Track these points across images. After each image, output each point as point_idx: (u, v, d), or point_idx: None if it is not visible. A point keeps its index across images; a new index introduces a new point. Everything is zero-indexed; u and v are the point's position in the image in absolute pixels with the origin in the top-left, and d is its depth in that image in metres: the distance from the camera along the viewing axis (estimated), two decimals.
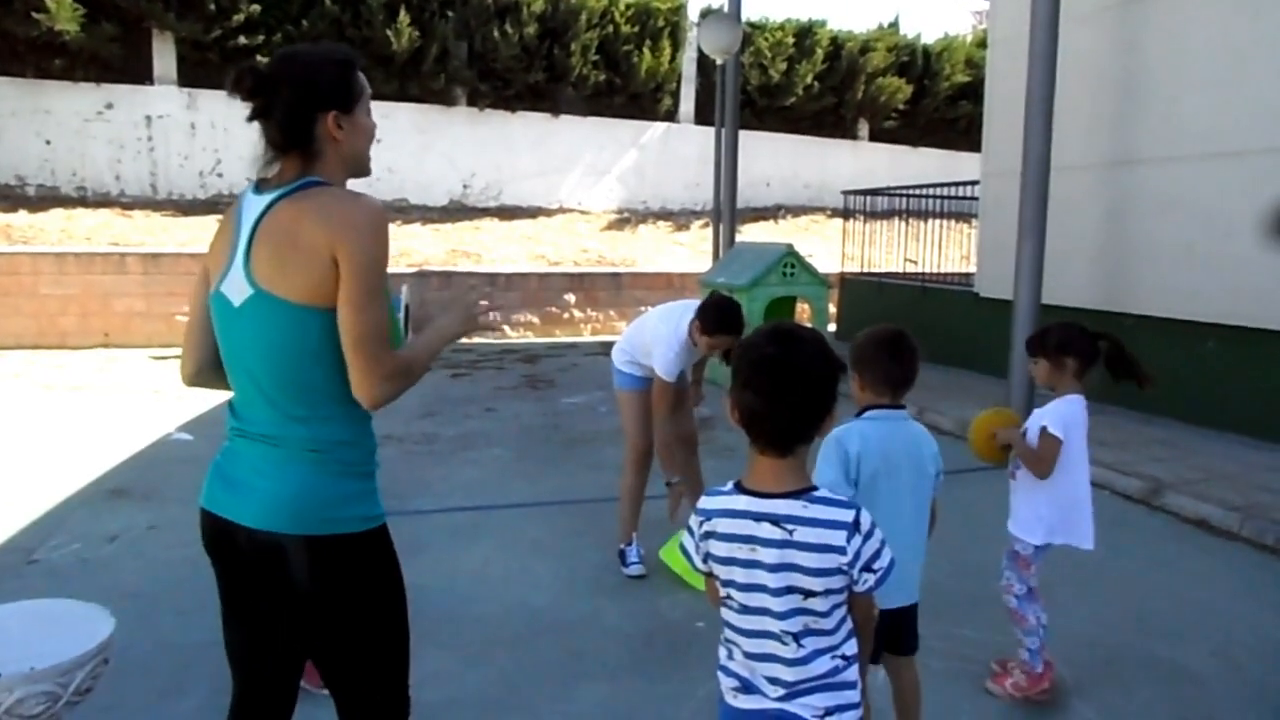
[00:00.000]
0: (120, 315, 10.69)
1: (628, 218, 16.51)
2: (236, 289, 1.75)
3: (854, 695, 1.74)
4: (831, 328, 11.00)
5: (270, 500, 1.75)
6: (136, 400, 7.86)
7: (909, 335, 2.50)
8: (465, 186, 15.80)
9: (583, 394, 8.64)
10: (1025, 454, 3.10)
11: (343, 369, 1.73)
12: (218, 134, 13.97)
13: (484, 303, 2.09)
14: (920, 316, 10.62)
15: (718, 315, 3.89)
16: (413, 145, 15.05)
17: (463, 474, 5.89)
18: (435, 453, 6.42)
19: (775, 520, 1.67)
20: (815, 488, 1.71)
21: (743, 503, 1.70)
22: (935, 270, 11.19)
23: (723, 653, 1.83)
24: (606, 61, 16.29)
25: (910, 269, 11.64)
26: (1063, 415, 3.07)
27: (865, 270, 12.10)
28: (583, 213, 16.33)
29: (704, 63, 16.17)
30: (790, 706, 1.71)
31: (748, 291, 8.55)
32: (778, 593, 1.67)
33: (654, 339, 4.10)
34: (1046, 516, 3.11)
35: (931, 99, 19.31)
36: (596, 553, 4.46)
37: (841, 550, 1.65)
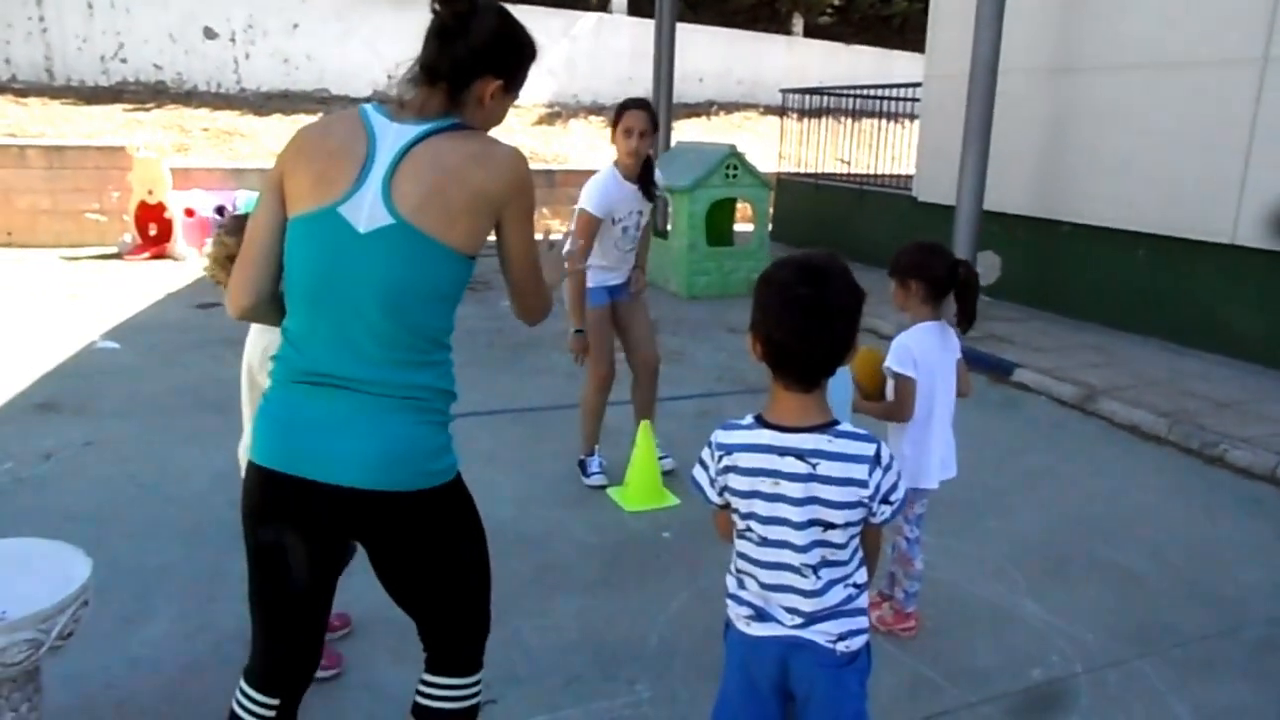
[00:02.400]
0: (24, 213, 10.00)
1: (559, 112, 16.04)
2: (368, 215, 1.61)
3: (864, 621, 1.77)
4: (768, 228, 10.98)
5: (378, 456, 1.64)
6: (52, 305, 7.44)
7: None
8: (389, 77, 15.00)
9: None
10: (882, 410, 2.95)
11: (454, 315, 1.75)
12: (119, 15, 12.96)
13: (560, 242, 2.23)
14: (857, 220, 10.69)
15: (621, 105, 3.99)
16: (333, 31, 14.22)
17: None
18: None
19: (800, 454, 1.66)
20: (837, 421, 1.70)
21: (766, 437, 1.69)
22: (872, 172, 11.20)
23: (732, 582, 1.84)
24: None
25: (842, 169, 11.62)
26: (909, 349, 2.86)
27: (801, 170, 12.05)
28: (513, 106, 15.79)
29: None
30: (805, 634, 1.73)
31: (689, 193, 8.44)
32: (801, 525, 1.68)
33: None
34: (910, 458, 2.93)
35: None
36: (553, 462, 4.46)
37: (864, 484, 1.66)
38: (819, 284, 1.64)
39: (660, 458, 4.29)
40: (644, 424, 4.18)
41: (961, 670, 2.91)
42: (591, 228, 3.96)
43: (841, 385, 2.75)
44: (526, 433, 4.96)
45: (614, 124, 3.98)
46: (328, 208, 1.62)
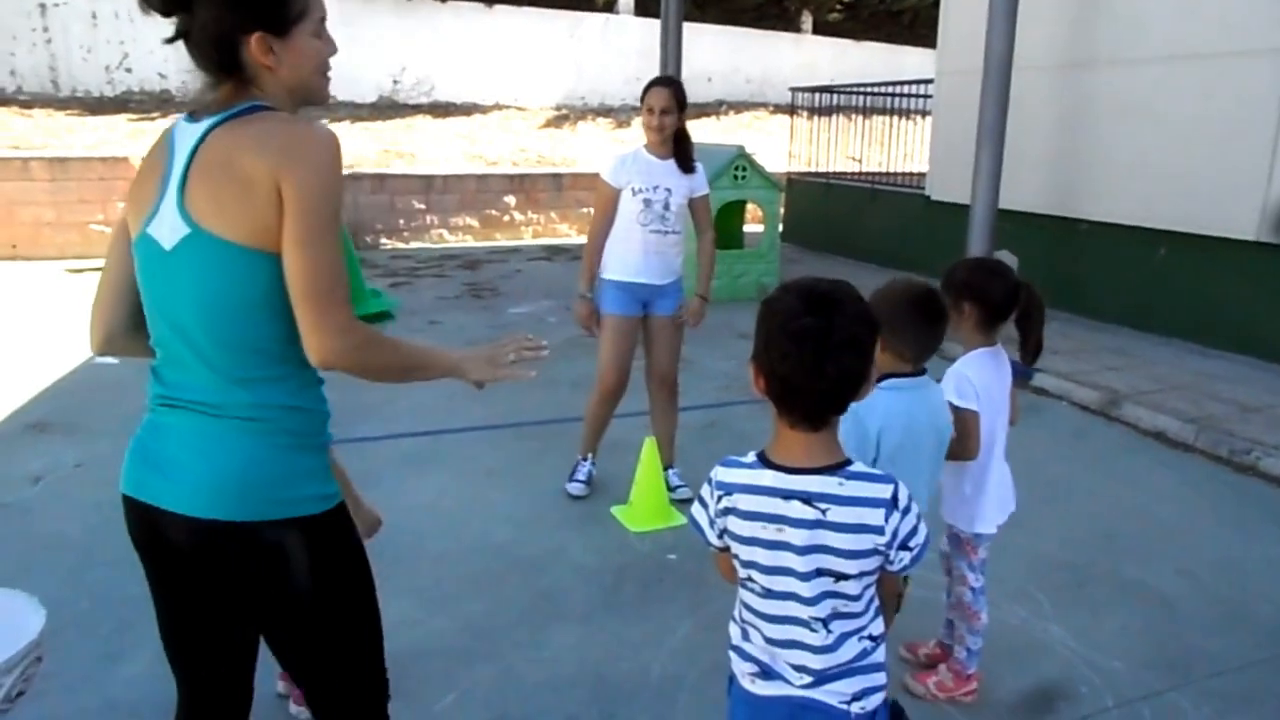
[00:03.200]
0: (28, 225, 9.95)
1: (567, 114, 15.91)
2: (168, 229, 1.48)
3: (881, 677, 1.62)
4: (779, 229, 10.80)
5: (211, 481, 1.51)
6: (54, 319, 7.35)
7: (939, 294, 2.26)
8: (395, 82, 14.99)
9: (529, 303, 8.36)
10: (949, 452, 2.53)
11: (293, 323, 1.48)
12: (123, 24, 12.92)
13: (523, 348, 1.81)
14: (870, 219, 10.51)
15: (649, 82, 3.88)
16: (337, 36, 13.86)
17: (409, 396, 5.63)
18: None
19: (807, 499, 1.52)
20: (849, 461, 1.55)
21: (769, 478, 1.54)
22: (883, 170, 11.00)
23: (735, 632, 1.69)
24: None
25: (856, 168, 11.43)
26: (970, 381, 2.52)
27: (812, 170, 11.86)
28: (520, 109, 15.68)
29: None
30: (816, 694, 1.58)
31: None
32: (806, 576, 1.53)
33: None
34: (971, 499, 2.67)
35: None
36: (555, 479, 4.30)
37: (880, 530, 1.51)
38: (826, 313, 1.48)
39: (674, 486, 4.11)
40: (649, 440, 4.02)
41: (985, 704, 2.74)
42: (606, 198, 3.87)
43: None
44: (528, 447, 4.81)
45: (643, 96, 3.87)
46: (141, 232, 1.54)
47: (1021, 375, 6.01)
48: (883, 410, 2.13)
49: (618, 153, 3.99)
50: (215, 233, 1.45)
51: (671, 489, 4.07)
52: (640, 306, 4.01)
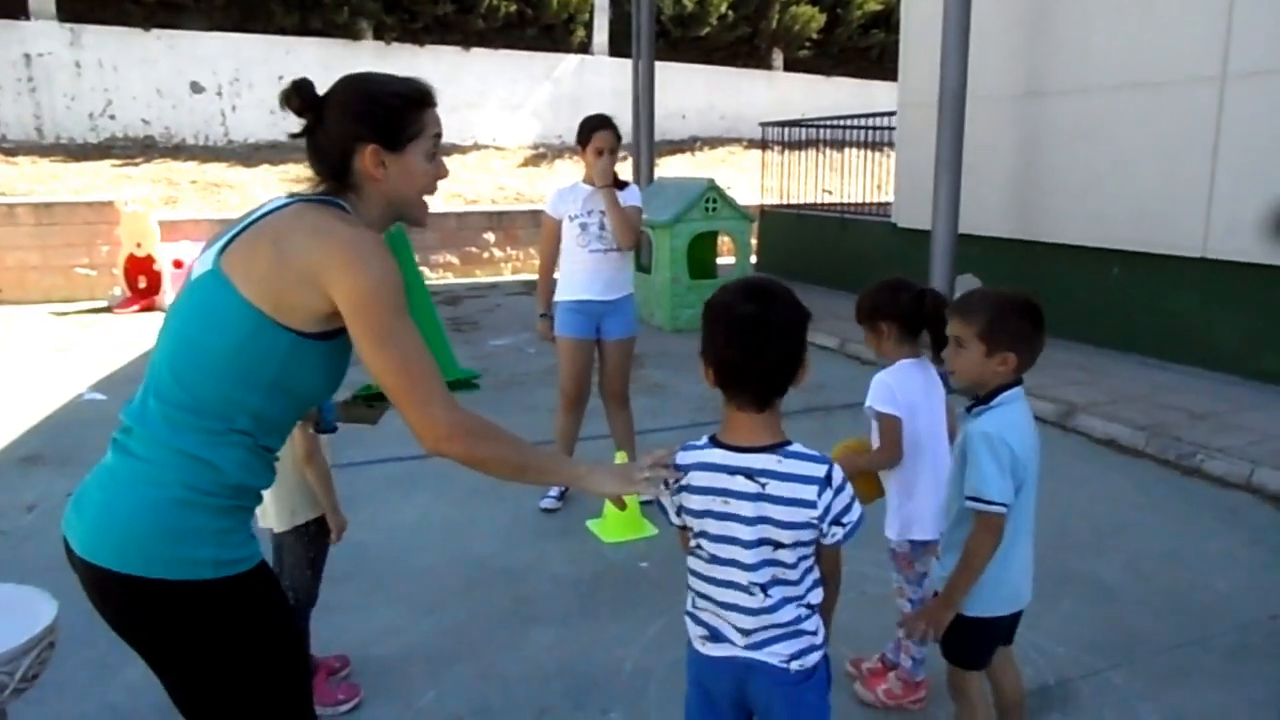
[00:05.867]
0: (13, 270, 10.10)
1: (544, 153, 16.23)
2: (201, 264, 1.56)
3: (818, 639, 1.79)
4: (752, 260, 11.08)
5: (98, 524, 1.48)
6: (41, 359, 7.49)
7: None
8: None
9: (509, 335, 8.57)
10: (869, 461, 2.71)
11: (249, 392, 1.50)
12: (106, 73, 13.16)
13: (659, 465, 1.73)
14: (840, 248, 10.81)
15: (584, 123, 4.19)
16: (319, 81, 14.27)
17: (394, 423, 5.69)
18: None
19: (749, 474, 1.69)
20: (790, 442, 1.73)
21: (718, 456, 1.72)
22: (853, 201, 11.33)
23: (689, 600, 1.87)
24: None
25: (828, 199, 11.76)
26: (889, 386, 2.63)
27: (784, 202, 12.18)
28: (498, 149, 16.00)
29: None
30: (758, 655, 1.76)
31: (670, 228, 8.55)
32: (750, 544, 1.70)
33: None
34: (897, 507, 2.72)
35: (844, 28, 19.35)
36: (535, 497, 4.47)
37: (812, 505, 1.68)
38: (762, 302, 1.69)
39: None
40: (620, 455, 4.22)
41: (931, 687, 2.92)
42: (548, 228, 4.31)
43: None
44: None
45: (582, 142, 4.18)
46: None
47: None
48: (1021, 428, 2.15)
49: (557, 186, 4.45)
50: (231, 279, 1.49)
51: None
52: (593, 328, 4.31)
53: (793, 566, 1.74)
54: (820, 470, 1.70)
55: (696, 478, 1.74)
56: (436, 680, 2.97)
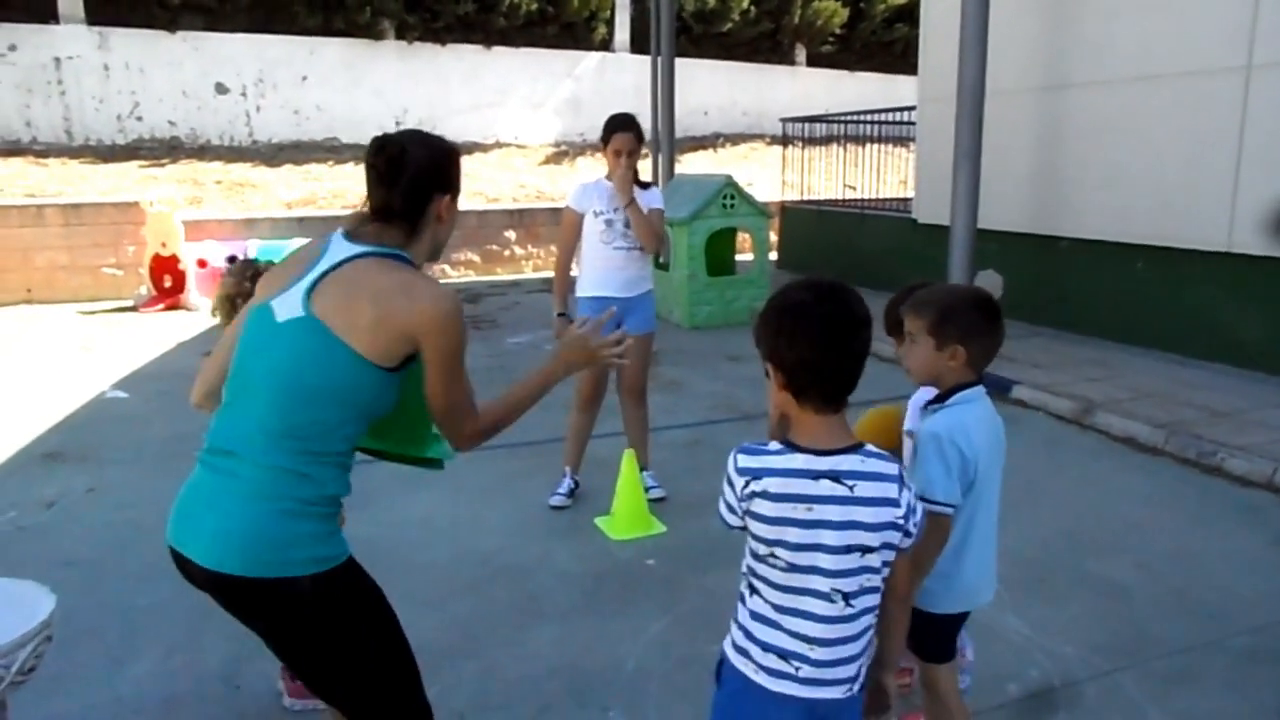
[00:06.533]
0: (42, 270, 10.28)
1: (566, 151, 16.25)
2: (288, 308, 1.79)
3: (867, 659, 1.75)
4: (772, 256, 11.04)
5: (215, 535, 1.73)
6: (66, 358, 7.62)
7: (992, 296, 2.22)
8: (398, 123, 15.35)
9: (527, 333, 8.60)
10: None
11: (349, 421, 1.79)
12: (133, 75, 13.35)
13: (611, 341, 2.16)
14: (860, 243, 10.73)
15: (607, 122, 4.20)
16: (342, 81, 14.59)
17: None
18: None
19: (836, 477, 1.64)
20: (864, 443, 1.70)
21: (800, 461, 1.65)
22: (874, 196, 11.25)
23: (738, 631, 1.77)
24: None
25: (850, 195, 11.69)
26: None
27: (805, 198, 12.12)
28: (519, 147, 16.04)
29: None
30: (822, 693, 1.70)
31: (687, 225, 8.53)
32: (837, 550, 1.64)
33: None
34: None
35: (868, 22, 19.18)
36: (544, 495, 4.48)
37: (895, 503, 1.65)
38: (840, 299, 1.66)
39: (649, 487, 4.34)
40: (628, 453, 4.22)
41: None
42: (569, 222, 4.27)
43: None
44: (521, 466, 5.00)
45: (604, 141, 4.20)
46: (264, 302, 1.85)
47: (997, 386, 6.20)
48: (975, 429, 2.09)
49: (581, 181, 4.45)
50: (327, 323, 1.75)
51: (646, 489, 4.29)
52: (613, 324, 4.24)
53: (878, 572, 1.69)
54: (895, 468, 1.68)
55: (774, 484, 1.64)
56: (438, 676, 2.97)
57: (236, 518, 1.72)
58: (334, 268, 1.80)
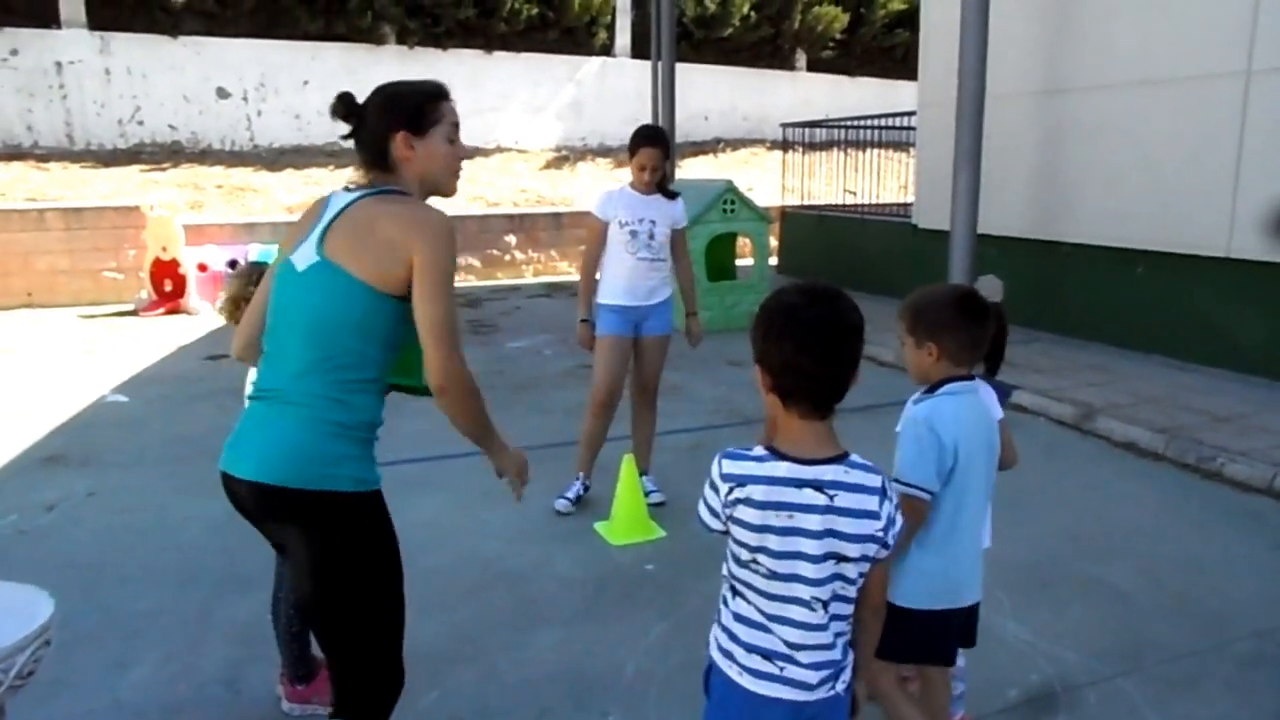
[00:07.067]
0: (43, 274, 10.28)
1: (566, 156, 16.27)
2: (304, 257, 1.97)
3: (847, 663, 1.75)
4: (773, 261, 11.05)
5: (263, 452, 1.90)
6: (67, 361, 7.62)
7: (979, 293, 2.25)
8: None
9: (527, 337, 8.60)
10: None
11: (374, 349, 1.93)
12: (135, 80, 13.36)
13: (525, 480, 2.37)
14: (860, 248, 10.74)
15: (635, 134, 4.23)
16: (342, 85, 14.37)
17: (409, 425, 5.75)
18: None
19: (819, 486, 1.63)
20: (849, 453, 1.68)
21: (783, 469, 1.64)
22: (875, 201, 11.26)
23: (721, 633, 1.78)
24: None
25: (850, 200, 11.69)
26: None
27: (805, 203, 12.13)
28: (520, 152, 16.05)
29: None
30: (812, 695, 1.70)
31: (688, 230, 8.51)
32: (816, 559, 1.64)
33: None
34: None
35: (868, 28, 19.22)
36: (546, 499, 4.48)
37: (875, 515, 1.64)
38: (831, 304, 1.64)
39: (649, 492, 4.34)
40: (627, 458, 4.22)
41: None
42: (594, 230, 4.27)
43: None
44: None
45: (631, 152, 4.23)
46: (286, 258, 2.02)
47: (997, 392, 6.19)
48: (953, 418, 2.13)
49: (606, 189, 4.43)
50: (343, 266, 1.91)
51: (646, 494, 4.31)
52: (633, 328, 4.33)
53: (853, 582, 1.68)
54: (878, 480, 1.66)
55: (757, 491, 1.63)
56: (439, 681, 2.98)
57: (284, 436, 1.89)
58: (338, 214, 1.97)
